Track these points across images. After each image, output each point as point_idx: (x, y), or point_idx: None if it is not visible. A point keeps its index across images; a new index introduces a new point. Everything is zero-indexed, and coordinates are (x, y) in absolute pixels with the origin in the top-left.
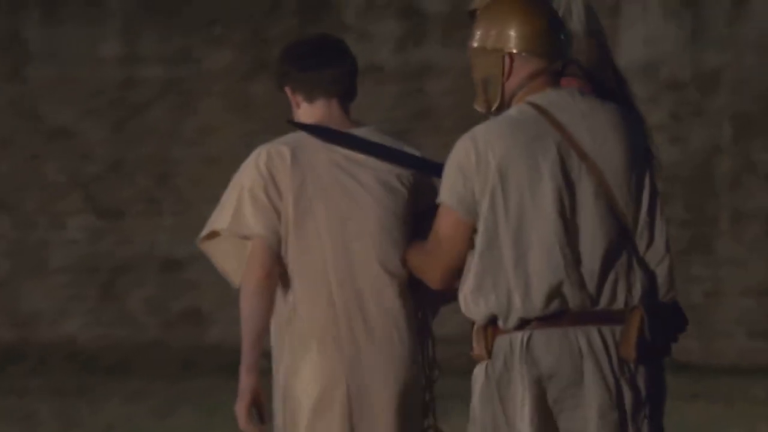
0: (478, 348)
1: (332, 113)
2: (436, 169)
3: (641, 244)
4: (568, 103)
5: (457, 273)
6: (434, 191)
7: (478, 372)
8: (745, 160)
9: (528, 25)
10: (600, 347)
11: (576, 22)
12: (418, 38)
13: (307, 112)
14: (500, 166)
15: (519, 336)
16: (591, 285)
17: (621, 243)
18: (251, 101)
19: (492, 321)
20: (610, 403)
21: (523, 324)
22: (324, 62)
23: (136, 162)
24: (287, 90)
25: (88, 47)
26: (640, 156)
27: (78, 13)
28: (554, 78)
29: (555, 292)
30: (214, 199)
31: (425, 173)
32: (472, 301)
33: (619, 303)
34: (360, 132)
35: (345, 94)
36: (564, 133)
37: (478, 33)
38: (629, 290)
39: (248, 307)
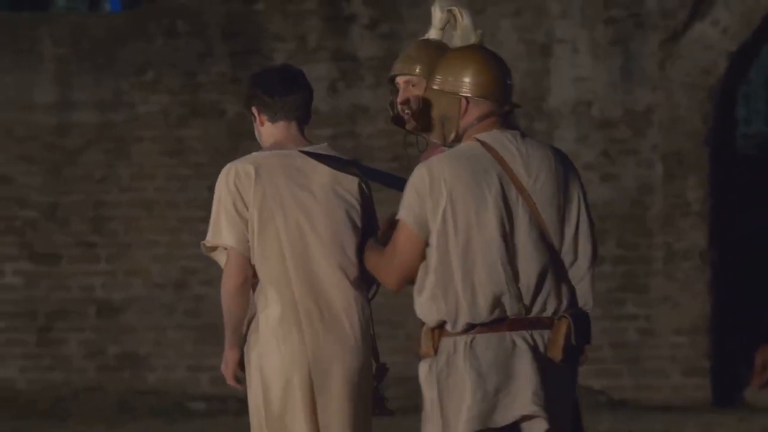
0: (425, 347)
1: (291, 133)
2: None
3: (567, 263)
4: (510, 143)
5: (410, 277)
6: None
7: (423, 366)
8: (678, 198)
9: (481, 75)
10: (529, 348)
11: None
12: (349, 81)
13: (269, 130)
14: (451, 192)
15: (463, 339)
16: (527, 297)
17: (550, 262)
18: (184, 145)
19: (440, 325)
20: (540, 382)
21: (468, 328)
22: (287, 89)
23: (71, 207)
24: (254, 110)
25: (21, 94)
26: (568, 190)
27: (10, 60)
28: (502, 119)
29: (497, 302)
30: (149, 243)
31: (395, 187)
32: (427, 308)
33: (549, 312)
34: (315, 148)
35: (303, 118)
36: (505, 167)
37: (439, 77)
38: (558, 301)
39: (230, 305)
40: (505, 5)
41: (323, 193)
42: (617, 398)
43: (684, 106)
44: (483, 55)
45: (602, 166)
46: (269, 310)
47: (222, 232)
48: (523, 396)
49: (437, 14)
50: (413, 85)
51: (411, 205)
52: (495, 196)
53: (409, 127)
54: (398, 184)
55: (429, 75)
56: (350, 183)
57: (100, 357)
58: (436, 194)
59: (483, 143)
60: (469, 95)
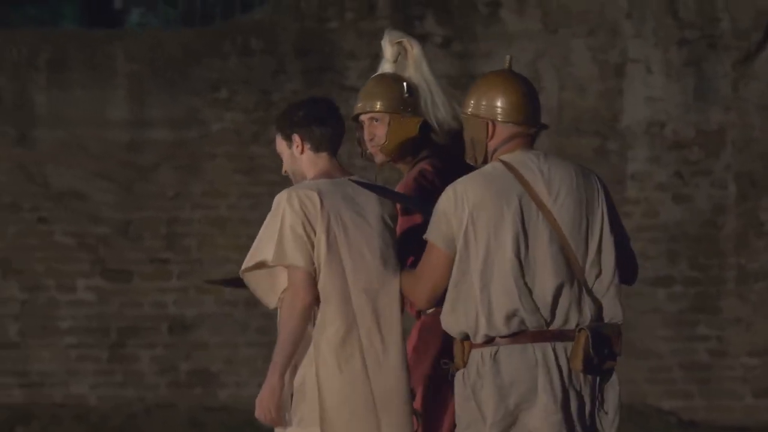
0: (457, 359)
1: (334, 163)
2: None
3: (591, 277)
4: (533, 162)
5: (440, 295)
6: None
7: (458, 378)
8: (751, 219)
9: (506, 99)
10: (552, 360)
11: (442, 112)
12: None
13: (312, 159)
14: (472, 211)
15: (488, 350)
16: (544, 310)
17: (571, 276)
18: (257, 163)
19: (466, 337)
20: (554, 406)
21: (489, 340)
22: (335, 121)
23: (143, 223)
24: (296, 137)
25: (95, 110)
26: (591, 206)
27: (85, 76)
28: (527, 140)
29: (512, 315)
30: (221, 260)
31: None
32: (451, 321)
33: (571, 324)
34: (354, 178)
35: (337, 151)
36: (527, 186)
37: (472, 102)
38: (580, 314)
39: (293, 326)
40: (578, 26)
41: (375, 220)
42: (687, 419)
43: (758, 127)
44: (508, 79)
45: (675, 186)
46: (330, 330)
47: (289, 252)
48: (543, 410)
49: (388, 48)
50: (376, 121)
51: (439, 226)
52: (513, 215)
53: (378, 161)
54: (421, 205)
55: (388, 109)
56: (391, 210)
57: (172, 373)
58: (459, 212)
59: (506, 164)
60: (494, 119)
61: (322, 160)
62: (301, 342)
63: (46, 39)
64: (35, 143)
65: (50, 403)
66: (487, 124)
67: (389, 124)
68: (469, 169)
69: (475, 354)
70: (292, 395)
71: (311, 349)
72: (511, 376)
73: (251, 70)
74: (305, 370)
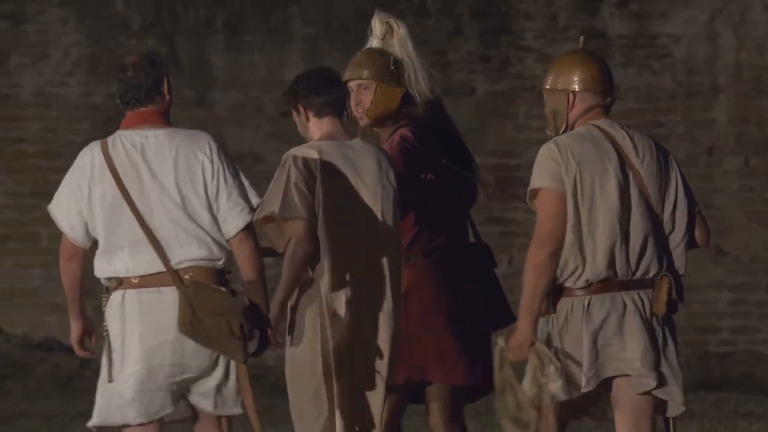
0: (545, 306)
1: (336, 127)
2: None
3: (666, 232)
4: (618, 130)
5: (563, 238)
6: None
7: (542, 322)
8: None
9: (585, 72)
10: (640, 304)
11: (422, 85)
12: None
13: (316, 124)
14: (579, 161)
15: (581, 300)
16: (633, 259)
17: (653, 231)
18: None
19: (564, 282)
20: (648, 342)
21: (586, 285)
22: (328, 89)
23: None
24: (300, 107)
25: (271, 72)
26: (668, 172)
27: (261, 39)
28: (605, 111)
29: (612, 261)
30: None
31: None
32: (564, 261)
33: (651, 274)
34: (355, 142)
35: (342, 114)
36: (619, 148)
37: (551, 78)
38: (659, 265)
39: (296, 269)
40: None
41: (371, 178)
42: None
43: None
44: (585, 56)
45: None
46: (326, 277)
47: (295, 207)
48: (633, 353)
49: (377, 26)
50: (364, 88)
51: (549, 171)
52: (615, 169)
53: (362, 123)
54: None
55: (375, 78)
56: (390, 171)
57: None
58: (566, 161)
59: (598, 127)
60: (575, 89)
61: (326, 124)
62: (298, 286)
63: (223, 3)
64: (213, 105)
65: None
66: (568, 95)
67: (375, 91)
68: (444, 139)
69: (565, 302)
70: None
71: (312, 290)
72: (601, 321)
73: (427, 31)
74: (303, 307)
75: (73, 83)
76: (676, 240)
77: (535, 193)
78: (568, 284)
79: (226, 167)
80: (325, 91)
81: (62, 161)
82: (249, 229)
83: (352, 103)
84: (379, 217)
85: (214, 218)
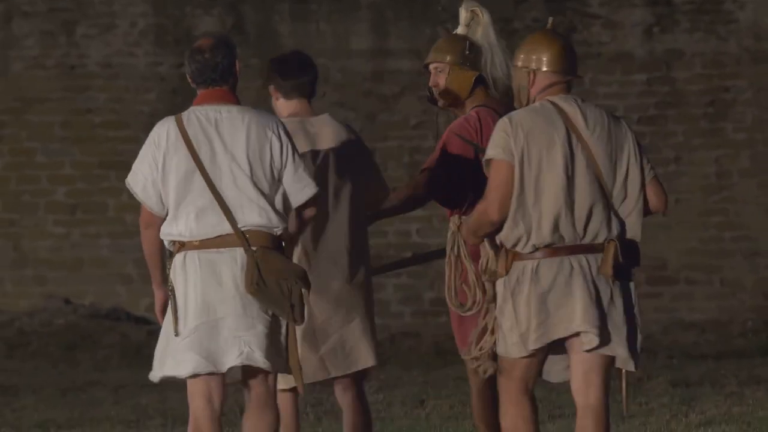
0: (500, 268)
1: (302, 107)
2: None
3: (617, 201)
4: (571, 104)
5: (509, 205)
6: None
7: (499, 284)
8: None
9: (546, 52)
10: (586, 267)
11: (499, 71)
12: (665, 26)
13: (284, 105)
14: (527, 133)
15: (530, 264)
16: (579, 225)
17: (601, 199)
18: None
19: (513, 247)
20: (590, 301)
21: (533, 250)
22: (295, 73)
23: (386, 152)
24: (271, 88)
25: (338, 41)
26: (619, 143)
27: (329, 7)
28: (564, 87)
29: (557, 227)
30: None
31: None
32: (509, 229)
33: (600, 239)
34: (321, 118)
35: (310, 95)
36: (568, 121)
37: (518, 56)
38: (608, 231)
39: None
40: None
41: (327, 150)
42: None
43: None
44: (548, 36)
45: None
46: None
47: None
48: (578, 312)
49: (463, 14)
50: (441, 71)
51: (499, 143)
52: (562, 140)
53: (440, 104)
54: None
55: (449, 61)
56: (349, 146)
57: (417, 302)
58: (515, 134)
59: (551, 102)
60: (535, 68)
61: (292, 104)
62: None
63: None
64: None
65: None
66: (529, 73)
67: (449, 74)
68: None
69: (517, 265)
70: None
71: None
72: (549, 284)
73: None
74: None
75: (140, 53)
76: (629, 207)
77: (488, 163)
78: (518, 249)
79: (292, 146)
80: (292, 75)
81: (130, 131)
82: (309, 203)
83: (431, 84)
84: (333, 185)
85: (275, 190)
